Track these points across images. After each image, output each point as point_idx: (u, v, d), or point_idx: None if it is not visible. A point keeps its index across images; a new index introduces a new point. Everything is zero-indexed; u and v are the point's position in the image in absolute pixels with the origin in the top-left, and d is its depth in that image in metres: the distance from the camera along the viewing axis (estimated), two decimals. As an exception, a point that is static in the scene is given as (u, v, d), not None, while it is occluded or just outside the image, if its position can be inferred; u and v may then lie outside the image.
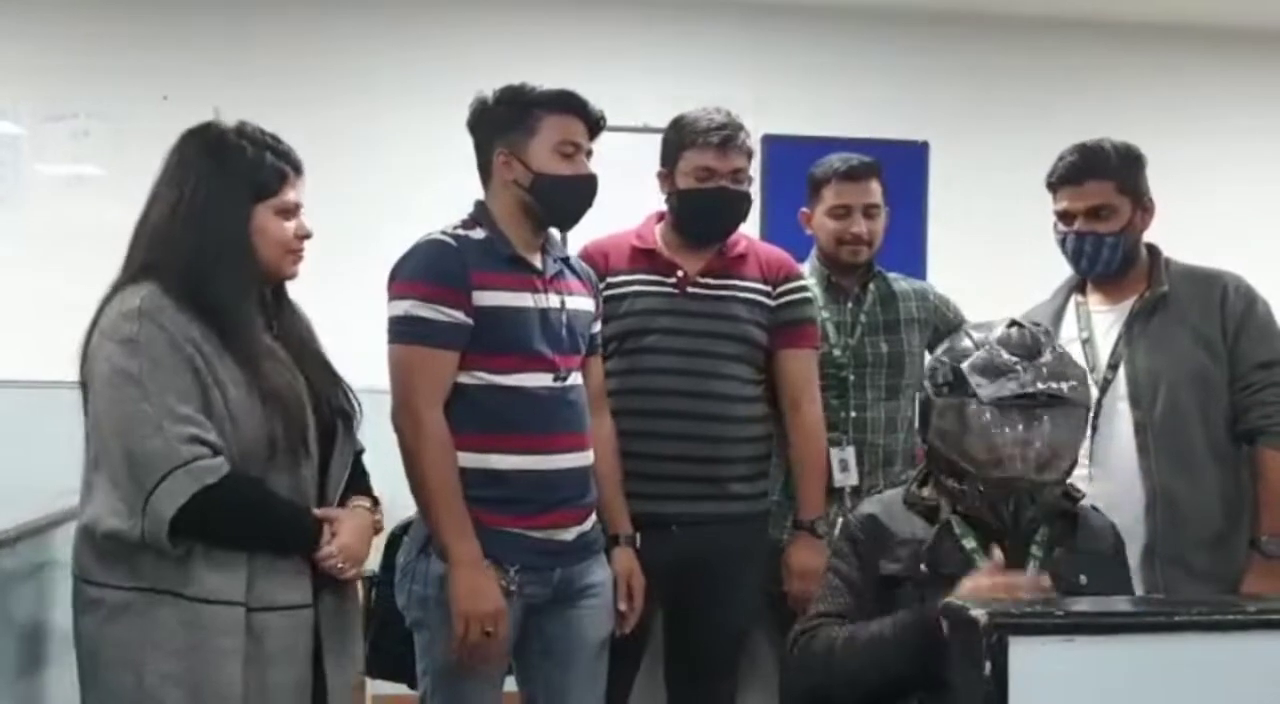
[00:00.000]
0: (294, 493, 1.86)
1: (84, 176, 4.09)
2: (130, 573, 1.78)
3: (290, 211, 1.91)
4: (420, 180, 4.20)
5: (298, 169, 1.93)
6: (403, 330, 2.16)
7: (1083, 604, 1.25)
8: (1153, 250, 2.56)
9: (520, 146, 2.25)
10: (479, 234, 2.25)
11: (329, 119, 4.17)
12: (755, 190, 4.26)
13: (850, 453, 2.71)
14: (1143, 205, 2.51)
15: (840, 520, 2.63)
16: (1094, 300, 2.57)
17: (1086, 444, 2.13)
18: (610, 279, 2.57)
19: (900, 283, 2.91)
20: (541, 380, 2.20)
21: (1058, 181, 2.53)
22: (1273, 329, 2.46)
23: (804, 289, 2.68)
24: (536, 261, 2.28)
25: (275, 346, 1.89)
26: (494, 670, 2.21)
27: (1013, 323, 1.95)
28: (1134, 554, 2.18)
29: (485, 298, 2.19)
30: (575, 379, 2.27)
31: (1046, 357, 1.86)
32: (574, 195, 2.28)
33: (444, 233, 2.25)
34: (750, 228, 4.39)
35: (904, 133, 4.38)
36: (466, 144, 4.16)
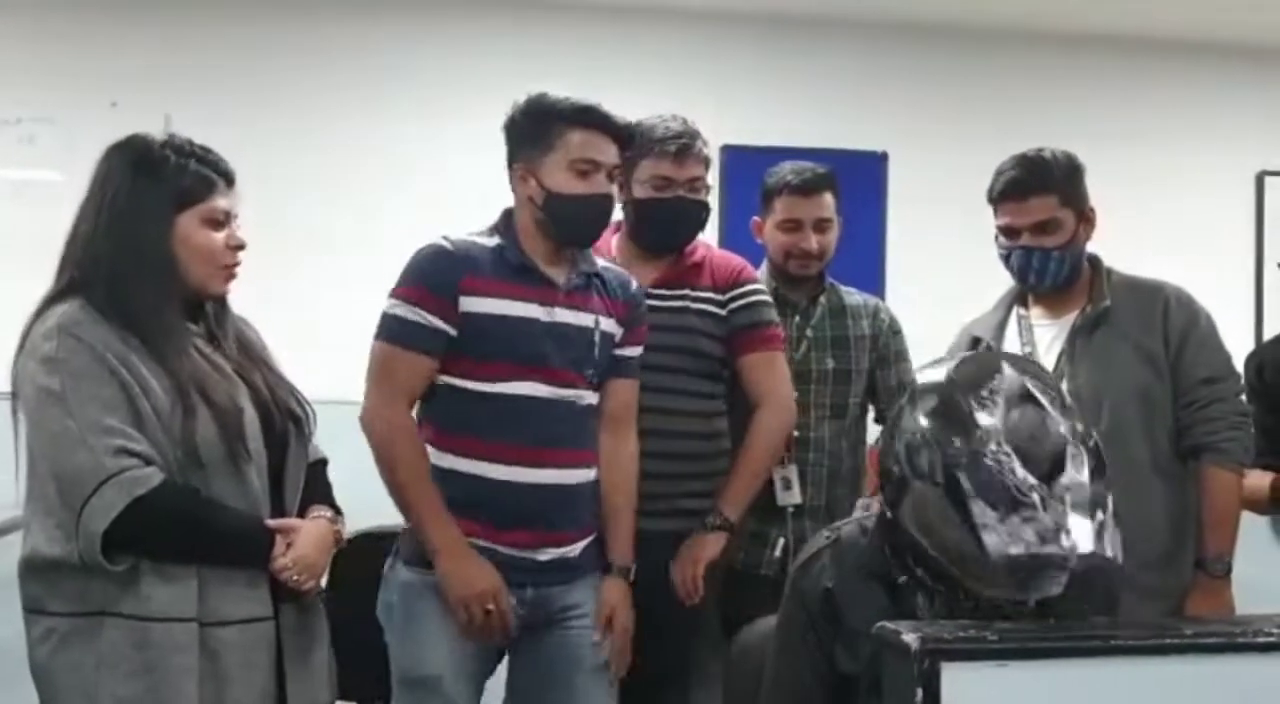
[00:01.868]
0: (243, 501, 1.82)
1: (30, 181, 4.03)
2: (78, 598, 1.74)
3: (219, 221, 1.87)
4: (375, 186, 4.17)
5: (228, 178, 1.89)
6: (381, 328, 2.20)
7: (1017, 628, 1.23)
8: (1094, 262, 2.55)
9: (537, 163, 2.22)
10: (492, 241, 2.24)
11: (280, 125, 4.14)
12: (714, 200, 4.33)
13: (793, 471, 2.68)
14: (1085, 216, 2.50)
15: (784, 547, 2.63)
16: (1035, 313, 2.55)
17: None
18: None
19: (853, 297, 2.88)
20: (536, 390, 2.16)
21: (999, 196, 2.49)
22: (1215, 343, 2.44)
23: (759, 292, 2.64)
24: (556, 275, 2.24)
25: (212, 354, 1.86)
26: (501, 643, 2.18)
27: (985, 359, 1.63)
28: None
29: (477, 304, 2.17)
30: (584, 396, 2.22)
31: (1068, 471, 1.40)
32: (586, 215, 2.22)
33: (447, 238, 2.24)
34: (709, 238, 4.42)
35: (863, 143, 4.38)
36: (421, 151, 4.17)
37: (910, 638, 1.14)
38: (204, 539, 1.78)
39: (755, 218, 2.90)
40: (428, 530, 2.12)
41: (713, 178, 4.27)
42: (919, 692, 1.12)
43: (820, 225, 2.76)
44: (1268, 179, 4.77)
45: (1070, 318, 2.49)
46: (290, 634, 1.86)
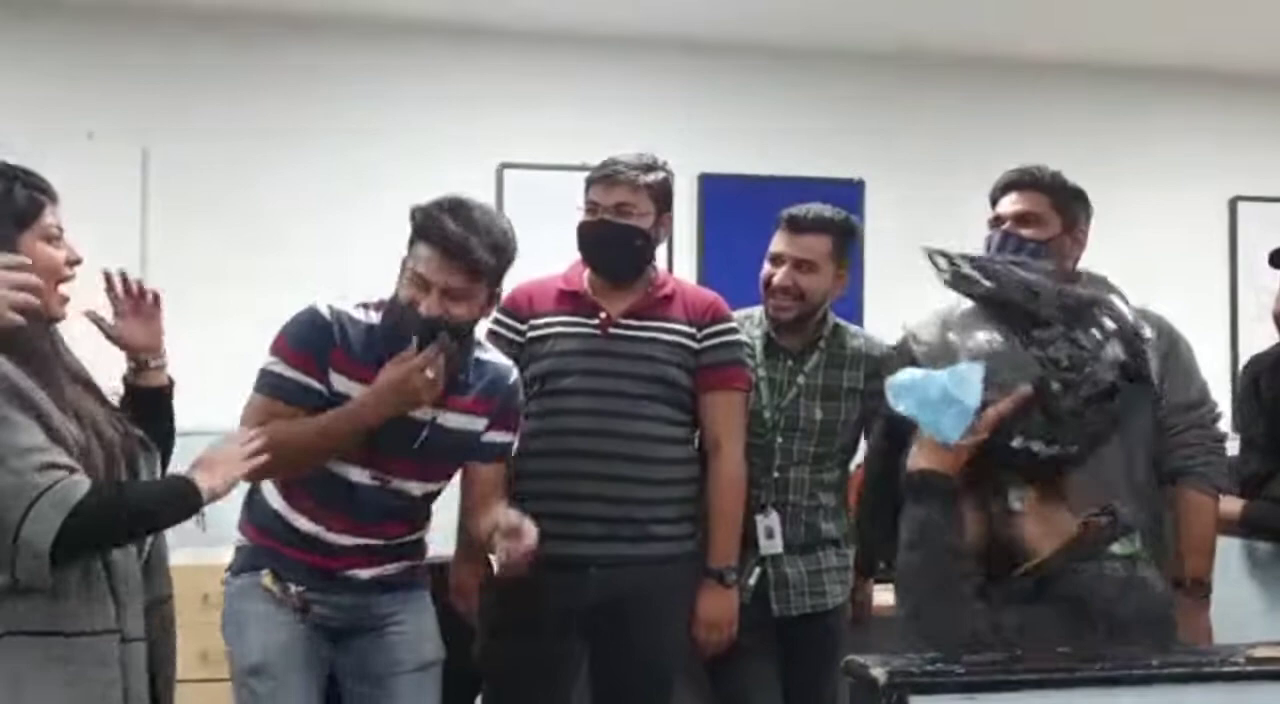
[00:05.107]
0: None
1: (7, 213, 4.01)
2: None
3: (55, 238, 1.88)
4: (353, 215, 4.16)
5: (52, 196, 1.90)
6: (260, 382, 2.29)
7: (984, 660, 1.23)
8: None
9: (412, 263, 2.26)
10: (372, 318, 2.30)
11: (258, 155, 4.13)
12: (690, 228, 4.36)
13: (775, 519, 2.67)
14: (1074, 235, 2.52)
15: (759, 576, 2.64)
16: None
17: None
18: (533, 322, 2.61)
19: (857, 342, 2.80)
20: (359, 476, 2.29)
21: (996, 194, 2.56)
22: (1194, 370, 2.47)
23: (731, 332, 2.65)
24: None
25: (71, 376, 1.87)
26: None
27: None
28: None
29: (339, 382, 2.27)
30: (405, 485, 2.33)
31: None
32: (409, 329, 2.23)
33: (330, 305, 2.30)
34: (687, 266, 4.45)
35: (839, 171, 4.40)
36: (401, 179, 4.17)
37: (878, 672, 1.14)
38: (145, 521, 1.82)
39: None
40: (344, 413, 2.23)
41: (688, 207, 4.38)
42: (886, 725, 1.12)
43: (801, 264, 2.70)
44: (1240, 205, 4.81)
45: None
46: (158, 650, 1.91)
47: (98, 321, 1.96)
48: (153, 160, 4.00)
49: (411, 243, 2.25)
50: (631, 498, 2.50)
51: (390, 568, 2.36)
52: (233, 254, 3.99)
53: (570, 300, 2.61)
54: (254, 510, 2.37)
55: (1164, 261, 4.50)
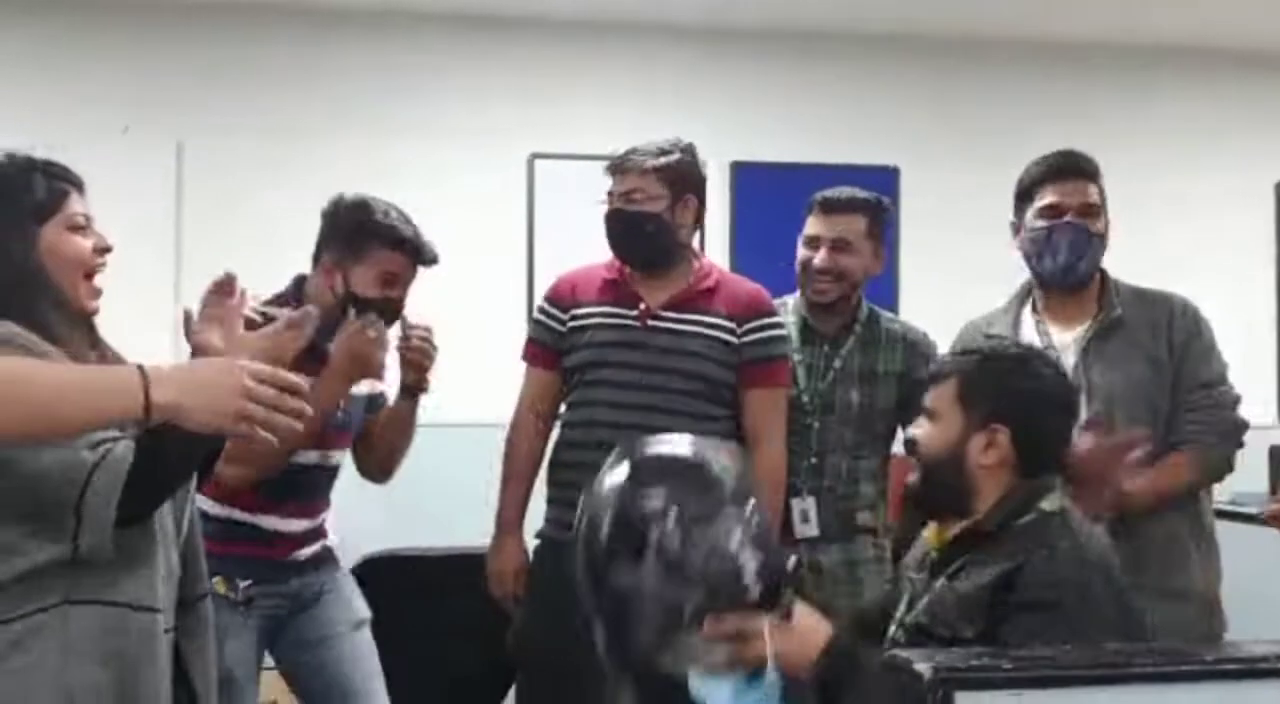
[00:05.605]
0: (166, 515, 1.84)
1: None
2: (31, 598, 1.70)
3: (82, 226, 1.85)
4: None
5: (78, 185, 1.87)
6: None
7: (1034, 654, 1.20)
8: (1101, 272, 2.53)
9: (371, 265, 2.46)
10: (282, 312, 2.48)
11: (291, 148, 4.14)
12: (721, 218, 4.32)
13: (811, 503, 2.64)
14: (1105, 228, 2.51)
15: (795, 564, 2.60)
16: (1047, 321, 2.53)
17: None
18: (575, 311, 2.60)
19: (893, 326, 2.80)
20: (307, 458, 2.44)
21: (1045, 177, 2.48)
22: (1215, 352, 2.48)
23: (775, 327, 2.61)
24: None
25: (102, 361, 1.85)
26: None
27: None
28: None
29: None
30: (337, 457, 2.55)
31: None
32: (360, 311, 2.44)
33: (254, 309, 2.38)
34: (719, 254, 4.42)
35: (874, 158, 4.35)
36: (430, 172, 4.17)
37: (923, 666, 1.11)
38: (193, 456, 1.79)
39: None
40: (320, 403, 2.31)
41: (720, 195, 4.35)
42: (931, 722, 1.09)
43: (838, 245, 2.69)
44: (1286, 190, 4.74)
45: (1081, 329, 2.47)
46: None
47: (187, 320, 1.92)
48: (187, 154, 4.02)
49: (355, 246, 2.45)
50: None
51: (318, 544, 2.55)
52: (266, 247, 3.99)
53: (612, 290, 2.60)
54: (214, 523, 2.39)
55: (1208, 249, 4.43)
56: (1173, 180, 4.50)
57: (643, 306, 2.56)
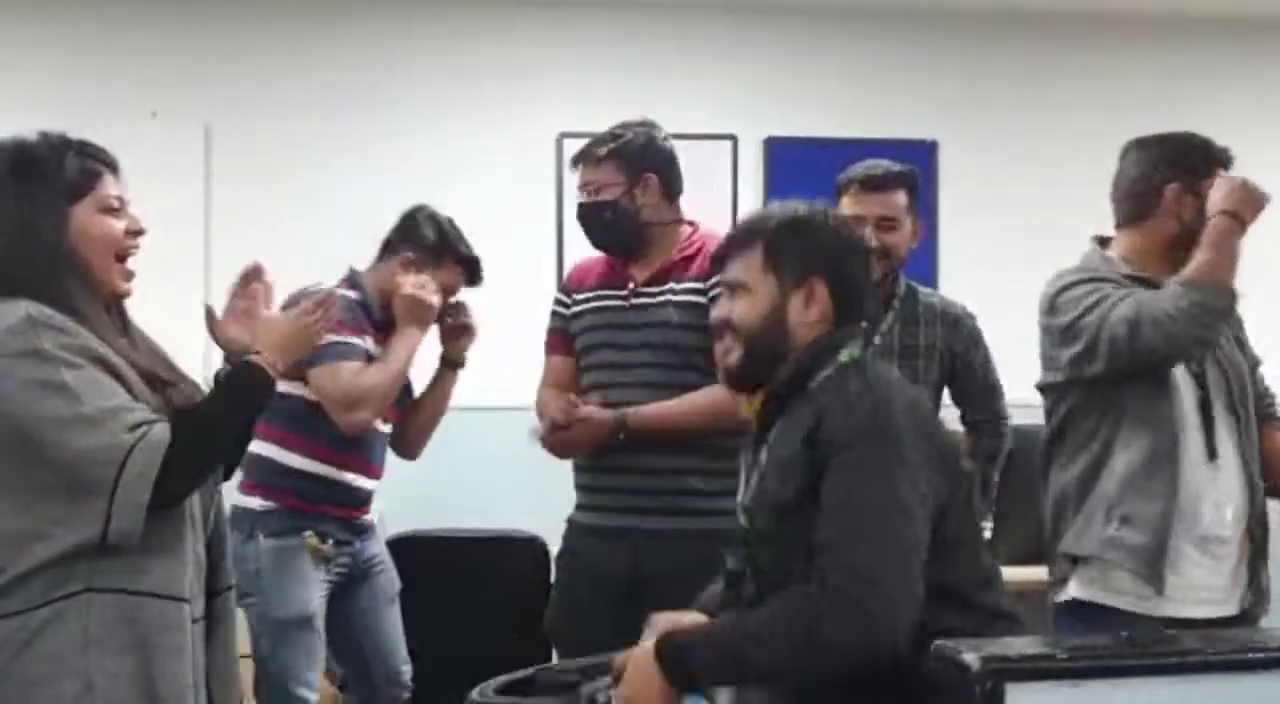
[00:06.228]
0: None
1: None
2: (54, 586, 1.71)
3: (115, 209, 1.84)
4: (418, 187, 4.14)
5: (112, 166, 1.85)
6: (332, 353, 2.65)
7: (1086, 645, 1.15)
8: None
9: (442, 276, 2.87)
10: (352, 295, 2.80)
11: (320, 130, 4.12)
12: (755, 193, 4.26)
13: None
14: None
15: None
16: None
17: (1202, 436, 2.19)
18: (576, 297, 2.65)
19: (932, 301, 2.79)
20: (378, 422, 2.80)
21: (1221, 159, 2.36)
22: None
23: None
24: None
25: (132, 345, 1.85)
26: None
27: None
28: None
29: (367, 342, 2.78)
30: (388, 421, 2.86)
31: None
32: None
33: (340, 292, 2.62)
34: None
35: (912, 132, 4.27)
36: (459, 151, 4.13)
37: (970, 657, 1.08)
38: (228, 429, 1.84)
39: None
40: (402, 355, 2.78)
41: (755, 171, 4.29)
42: (981, 715, 1.05)
43: (883, 223, 2.66)
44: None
45: None
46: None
47: (209, 315, 1.92)
48: (215, 136, 4.01)
49: (435, 255, 2.81)
50: (656, 468, 2.43)
51: (373, 512, 2.85)
52: (295, 228, 4.00)
53: (609, 273, 2.62)
54: (275, 474, 2.69)
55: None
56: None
57: (630, 286, 2.56)
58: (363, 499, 2.79)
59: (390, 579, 2.89)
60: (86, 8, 4.04)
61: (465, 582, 3.34)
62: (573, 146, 4.38)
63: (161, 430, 1.72)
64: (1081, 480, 2.24)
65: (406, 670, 2.89)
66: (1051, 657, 1.10)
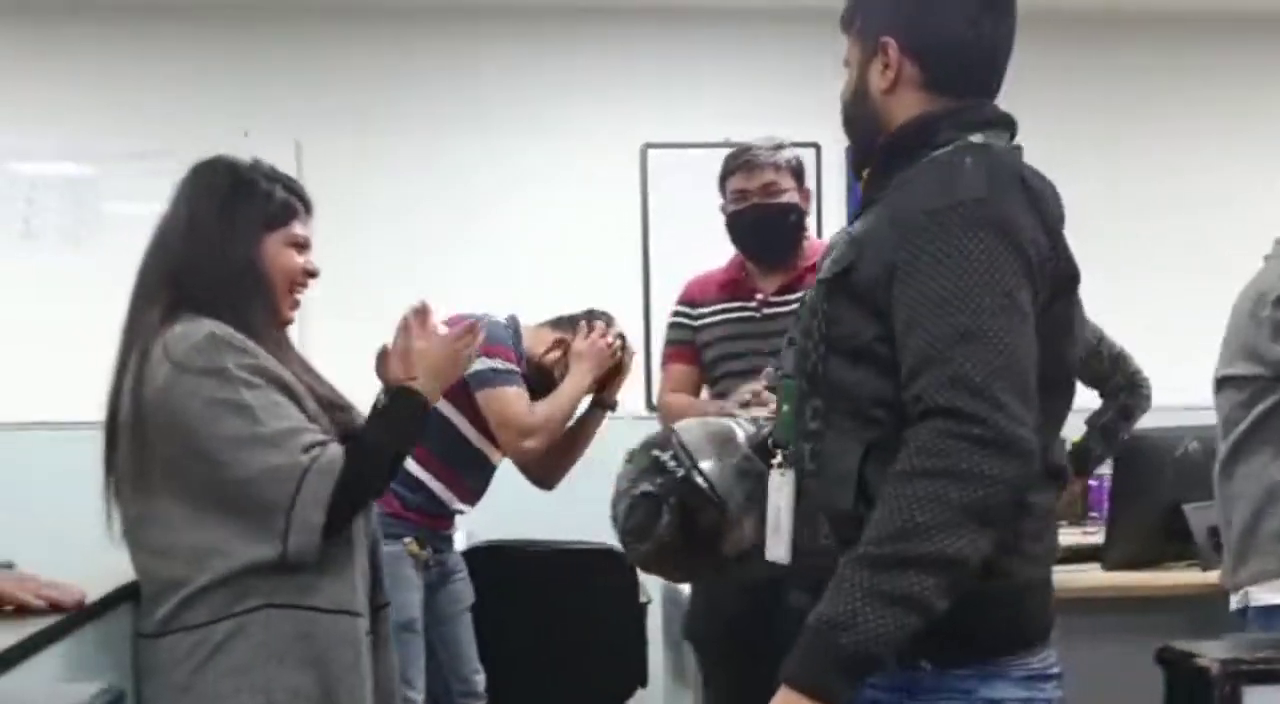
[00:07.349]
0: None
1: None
2: (234, 601, 1.75)
3: (301, 246, 1.91)
4: (503, 211, 4.20)
5: (308, 207, 1.93)
6: (498, 378, 2.77)
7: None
8: None
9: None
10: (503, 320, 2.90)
11: (408, 147, 4.18)
12: (838, 201, 4.24)
13: None
14: None
15: None
16: None
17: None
18: (700, 311, 2.68)
19: None
20: (496, 458, 2.89)
21: None
22: None
23: None
24: None
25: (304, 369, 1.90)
26: None
27: None
28: None
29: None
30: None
31: None
32: None
33: (497, 320, 2.79)
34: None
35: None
36: (544, 166, 4.16)
37: (1208, 661, 1.07)
38: (394, 454, 1.87)
39: None
40: (577, 391, 2.87)
41: (838, 177, 4.27)
42: (1221, 718, 1.04)
43: None
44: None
45: None
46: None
47: (382, 355, 1.95)
48: (306, 155, 4.06)
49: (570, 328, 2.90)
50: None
51: (457, 528, 2.99)
52: (385, 247, 4.07)
53: (731, 287, 2.65)
54: (409, 488, 2.75)
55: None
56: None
57: (759, 297, 2.60)
58: (451, 515, 2.89)
59: (466, 588, 2.97)
60: (185, 32, 4.12)
61: (556, 594, 3.32)
62: (658, 156, 4.47)
63: (335, 452, 1.77)
64: None
65: (480, 679, 2.94)
66: (1287, 659, 1.09)
